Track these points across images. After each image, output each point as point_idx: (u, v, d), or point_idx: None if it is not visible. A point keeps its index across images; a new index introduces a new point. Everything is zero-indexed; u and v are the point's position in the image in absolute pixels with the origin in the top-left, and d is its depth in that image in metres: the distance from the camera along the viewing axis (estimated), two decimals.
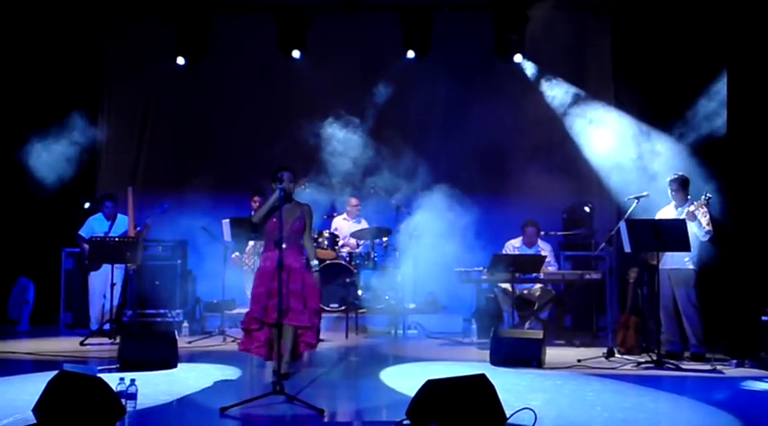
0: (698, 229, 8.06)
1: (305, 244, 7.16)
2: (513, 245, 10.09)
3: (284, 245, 6.63)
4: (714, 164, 8.99)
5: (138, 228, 9.92)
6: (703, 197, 7.99)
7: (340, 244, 10.92)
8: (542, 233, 10.24)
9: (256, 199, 9.99)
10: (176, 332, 7.96)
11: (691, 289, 8.26)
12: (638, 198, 8.40)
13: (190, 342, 9.20)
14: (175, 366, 7.31)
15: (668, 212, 8.43)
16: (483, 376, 4.93)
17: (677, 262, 8.28)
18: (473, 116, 11.63)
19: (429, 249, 10.58)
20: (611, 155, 10.28)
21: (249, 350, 7.05)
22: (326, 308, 10.23)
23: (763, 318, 7.76)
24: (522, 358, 7.62)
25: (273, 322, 6.69)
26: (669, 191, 8.42)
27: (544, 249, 10.01)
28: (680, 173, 8.46)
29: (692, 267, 8.28)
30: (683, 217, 8.06)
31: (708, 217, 8.16)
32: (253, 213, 7.51)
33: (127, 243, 9.48)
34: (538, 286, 9.82)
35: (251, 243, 10.11)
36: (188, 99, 12.25)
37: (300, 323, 6.88)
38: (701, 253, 8.35)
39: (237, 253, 10.39)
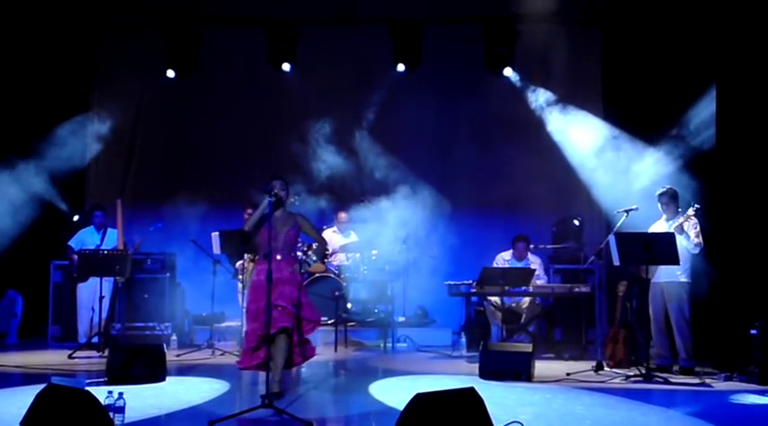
0: (687, 242, 8.08)
1: (317, 239, 7.51)
2: (504, 258, 10.09)
3: (279, 257, 6.69)
4: (703, 178, 9.03)
5: (130, 250, 9.85)
6: (691, 208, 8.01)
7: (329, 256, 10.88)
8: (532, 246, 10.25)
9: (249, 211, 9.91)
10: (165, 346, 7.96)
11: (684, 303, 8.26)
12: (627, 211, 8.37)
13: (178, 356, 9.16)
14: (164, 379, 7.29)
15: (660, 226, 8.43)
16: (472, 389, 4.91)
17: (670, 276, 8.26)
18: (463, 129, 11.69)
19: (418, 262, 10.59)
20: (600, 168, 10.31)
21: (249, 368, 6.84)
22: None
23: (752, 332, 7.76)
24: (512, 371, 7.62)
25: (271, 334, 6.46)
26: (659, 205, 8.42)
27: (534, 263, 10.03)
28: (669, 186, 8.48)
29: (685, 280, 8.28)
30: (672, 230, 8.08)
31: (698, 229, 8.16)
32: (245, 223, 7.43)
33: (116, 256, 9.45)
34: (526, 299, 9.82)
35: (247, 255, 10.00)
36: (178, 112, 12.22)
37: (289, 325, 6.69)
38: (693, 266, 8.37)
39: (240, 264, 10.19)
